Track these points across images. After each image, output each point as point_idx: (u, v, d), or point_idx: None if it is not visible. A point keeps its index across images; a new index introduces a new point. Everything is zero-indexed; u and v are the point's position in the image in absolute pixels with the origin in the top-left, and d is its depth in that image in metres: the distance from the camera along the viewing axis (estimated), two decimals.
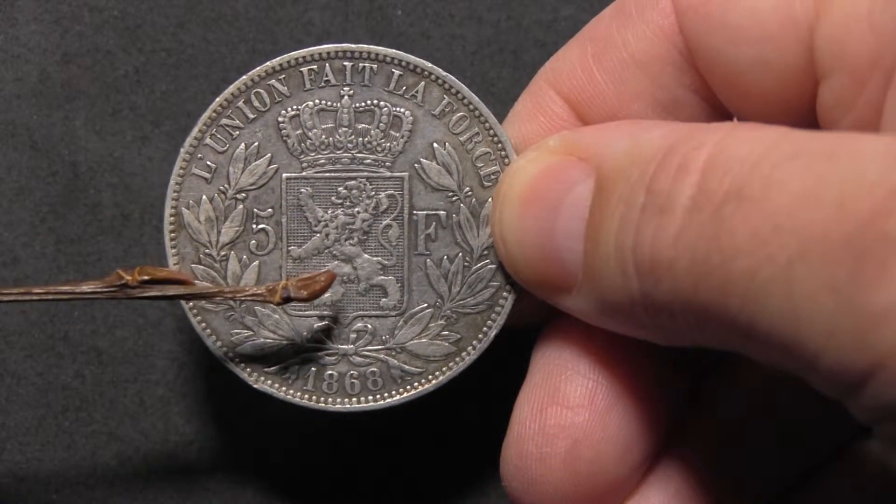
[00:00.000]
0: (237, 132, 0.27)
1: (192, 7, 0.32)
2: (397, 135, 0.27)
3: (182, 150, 0.27)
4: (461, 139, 0.27)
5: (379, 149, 0.27)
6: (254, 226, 0.27)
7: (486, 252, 0.27)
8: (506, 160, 0.27)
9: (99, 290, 0.26)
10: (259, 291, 0.26)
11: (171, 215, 0.27)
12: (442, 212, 0.27)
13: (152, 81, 0.32)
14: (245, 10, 0.32)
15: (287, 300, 0.26)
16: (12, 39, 0.32)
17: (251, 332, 0.27)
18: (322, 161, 0.27)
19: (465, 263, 0.27)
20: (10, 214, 0.32)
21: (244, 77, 0.27)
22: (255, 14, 0.32)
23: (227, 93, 0.27)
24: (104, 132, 0.32)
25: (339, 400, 0.27)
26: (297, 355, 0.27)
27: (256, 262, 0.27)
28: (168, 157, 0.32)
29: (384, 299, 0.27)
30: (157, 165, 0.32)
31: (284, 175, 0.27)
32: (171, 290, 0.26)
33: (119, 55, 0.32)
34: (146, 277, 0.25)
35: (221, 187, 0.27)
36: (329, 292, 0.26)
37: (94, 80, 0.32)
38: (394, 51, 0.27)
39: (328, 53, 0.27)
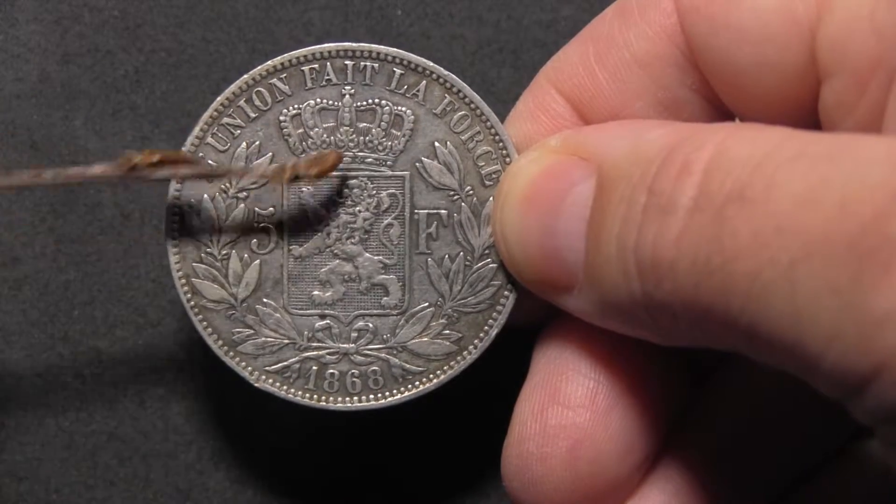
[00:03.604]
0: (238, 131, 0.27)
1: (192, 7, 0.32)
2: (399, 134, 0.27)
3: (183, 148, 0.27)
4: (462, 138, 0.27)
5: (380, 148, 0.27)
6: (255, 224, 0.27)
7: (487, 251, 0.27)
8: (507, 159, 0.27)
9: (110, 172, 0.25)
10: (268, 173, 0.26)
11: (173, 214, 0.27)
12: (443, 211, 0.27)
13: (152, 81, 0.32)
14: (245, 10, 0.32)
15: (296, 178, 0.26)
16: (12, 39, 0.32)
17: (252, 331, 0.27)
18: None
19: (467, 262, 0.27)
20: (10, 214, 0.32)
21: (245, 76, 0.27)
22: (255, 14, 0.32)
23: (228, 92, 0.27)
24: (104, 132, 0.32)
25: (340, 399, 0.27)
26: (298, 354, 0.27)
27: (258, 261, 0.27)
28: None
29: (385, 298, 0.27)
30: None
31: None
32: (182, 170, 0.25)
33: (119, 55, 0.32)
34: (157, 158, 0.25)
35: (222, 186, 0.27)
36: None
37: (94, 80, 0.32)
38: (395, 50, 0.27)
39: (329, 52, 0.27)
